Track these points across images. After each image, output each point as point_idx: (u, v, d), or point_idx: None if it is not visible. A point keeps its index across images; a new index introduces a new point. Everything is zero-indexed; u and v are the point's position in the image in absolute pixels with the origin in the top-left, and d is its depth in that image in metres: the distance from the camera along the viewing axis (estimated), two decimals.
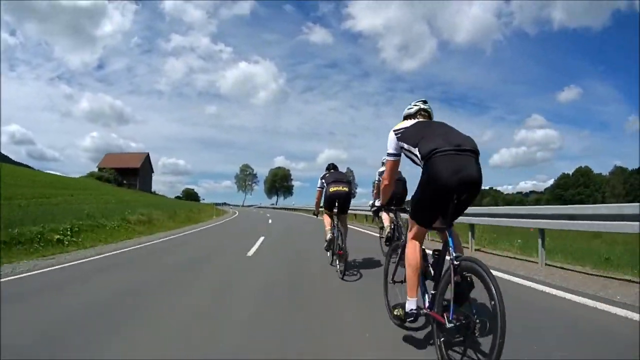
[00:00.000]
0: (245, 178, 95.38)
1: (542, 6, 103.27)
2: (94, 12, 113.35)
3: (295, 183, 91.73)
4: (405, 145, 2.20)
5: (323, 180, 4.98)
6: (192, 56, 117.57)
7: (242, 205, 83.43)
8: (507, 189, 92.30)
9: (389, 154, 2.33)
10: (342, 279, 4.21)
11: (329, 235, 4.76)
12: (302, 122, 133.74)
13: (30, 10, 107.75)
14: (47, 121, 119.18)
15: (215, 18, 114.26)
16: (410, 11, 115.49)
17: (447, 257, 2.02)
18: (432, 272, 2.16)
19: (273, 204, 70.83)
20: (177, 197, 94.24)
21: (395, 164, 2.36)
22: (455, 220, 2.13)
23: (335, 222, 4.69)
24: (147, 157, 62.82)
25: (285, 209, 44.84)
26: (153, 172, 65.79)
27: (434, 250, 2.21)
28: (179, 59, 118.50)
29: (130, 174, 55.80)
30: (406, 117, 2.49)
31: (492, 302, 1.62)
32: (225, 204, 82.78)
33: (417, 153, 2.08)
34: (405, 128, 2.26)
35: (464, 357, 1.85)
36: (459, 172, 1.91)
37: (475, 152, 2.01)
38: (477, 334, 1.71)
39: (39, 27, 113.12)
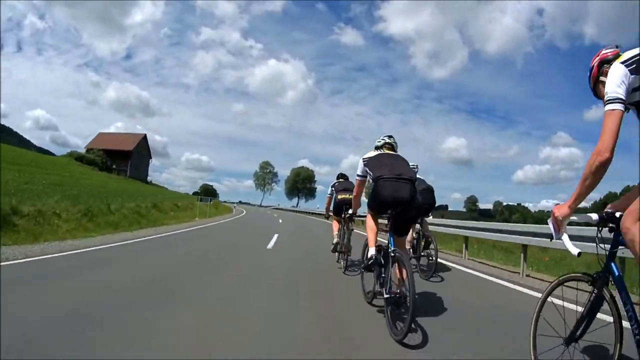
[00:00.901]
0: (264, 176, 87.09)
1: (574, 20, 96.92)
2: (125, 0, 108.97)
3: (318, 186, 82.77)
4: (368, 170, 3.26)
5: (333, 188, 5.76)
6: (221, 51, 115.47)
7: (260, 205, 76.11)
8: (528, 206, 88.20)
9: (358, 175, 3.47)
10: (344, 273, 5.01)
11: (335, 240, 5.50)
12: (329, 125, 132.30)
13: None
14: (73, 108, 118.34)
15: (247, 13, 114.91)
16: (442, 17, 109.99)
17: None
18: (382, 260, 3.04)
19: (294, 207, 60.37)
20: (195, 193, 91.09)
21: (363, 182, 3.50)
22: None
23: (342, 226, 5.45)
24: (144, 139, 54.05)
25: (307, 212, 36.97)
26: (151, 158, 57.47)
27: (380, 245, 3.18)
28: (208, 52, 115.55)
29: (121, 158, 48.24)
30: (376, 148, 3.51)
31: (406, 282, 2.61)
32: (241, 202, 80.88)
33: (371, 177, 3.20)
34: (370, 157, 3.35)
35: (396, 320, 2.71)
36: (394, 193, 2.99)
37: (411, 180, 3.07)
38: (407, 304, 2.52)
39: (68, 11, 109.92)
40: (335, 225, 5.71)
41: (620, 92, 1.49)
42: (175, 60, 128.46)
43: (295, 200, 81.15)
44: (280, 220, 20.23)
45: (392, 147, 3.50)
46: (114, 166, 47.91)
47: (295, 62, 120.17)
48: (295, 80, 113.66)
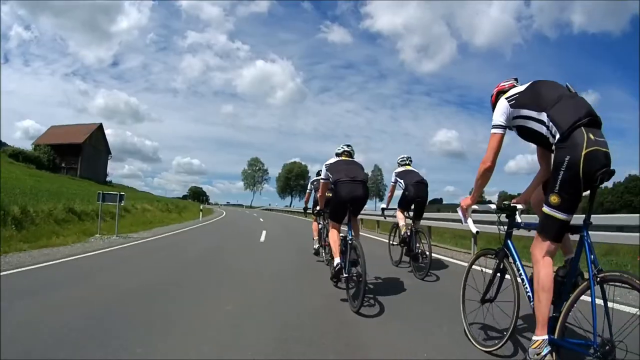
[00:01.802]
0: (254, 174, 79.95)
1: (562, 9, 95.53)
2: (111, 7, 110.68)
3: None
4: (329, 174, 3.83)
5: (312, 186, 6.52)
6: (208, 54, 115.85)
7: (250, 206, 69.78)
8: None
9: (322, 179, 4.09)
10: (326, 264, 5.35)
11: (316, 245, 6.12)
12: (318, 123, 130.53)
13: (45, 4, 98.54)
14: (62, 117, 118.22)
15: (232, 15, 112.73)
16: (429, 10, 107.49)
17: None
18: (344, 248, 3.57)
19: (287, 206, 51.73)
20: (185, 196, 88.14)
21: (326, 185, 4.08)
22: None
23: (322, 223, 5.89)
24: (99, 129, 44.87)
25: (299, 212, 31.06)
26: (110, 155, 49.29)
27: (344, 236, 3.62)
28: (195, 56, 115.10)
29: (72, 153, 40.68)
30: (336, 154, 4.25)
31: (360, 261, 3.14)
32: (229, 203, 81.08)
33: (332, 180, 3.75)
34: (330, 164, 3.98)
35: (355, 297, 3.14)
36: (350, 193, 3.57)
37: (363, 181, 3.70)
38: (361, 282, 3.03)
39: (54, 21, 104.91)
40: (315, 228, 6.24)
41: (502, 120, 2.06)
42: (162, 65, 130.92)
43: (289, 199, 74.64)
44: (261, 219, 18.37)
45: (349, 154, 4.20)
46: (62, 164, 40.44)
47: (283, 62, 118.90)
48: (284, 80, 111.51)
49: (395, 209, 5.42)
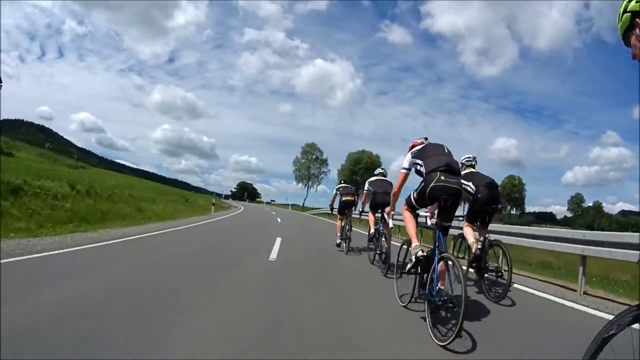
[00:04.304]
0: (309, 164, 60.59)
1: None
2: (167, 2, 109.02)
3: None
4: (370, 188, 6.04)
5: (338, 191, 7.74)
6: (267, 51, 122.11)
7: (303, 207, 55.79)
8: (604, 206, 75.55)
9: (365, 190, 6.27)
10: (346, 254, 6.95)
11: (338, 240, 7.58)
12: (376, 127, 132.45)
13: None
14: (118, 111, 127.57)
15: (291, 13, 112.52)
16: (491, 12, 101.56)
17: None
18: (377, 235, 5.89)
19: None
20: (232, 192, 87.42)
21: (367, 194, 6.25)
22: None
23: (347, 220, 7.46)
24: None
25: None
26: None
27: (377, 228, 5.81)
28: (253, 53, 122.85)
29: None
30: (374, 174, 6.36)
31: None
32: (272, 201, 76.88)
33: (372, 191, 6.02)
34: (371, 181, 6.16)
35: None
36: (382, 200, 5.76)
37: (389, 193, 5.05)
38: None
39: (108, 15, 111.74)
40: (338, 225, 7.72)
41: (406, 165, 3.37)
42: (218, 63, 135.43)
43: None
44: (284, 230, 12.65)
45: (383, 175, 6.29)
46: None
47: (342, 62, 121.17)
48: (344, 80, 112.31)
49: (461, 217, 4.17)
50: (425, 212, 3.47)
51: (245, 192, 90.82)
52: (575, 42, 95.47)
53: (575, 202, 71.66)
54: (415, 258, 2.95)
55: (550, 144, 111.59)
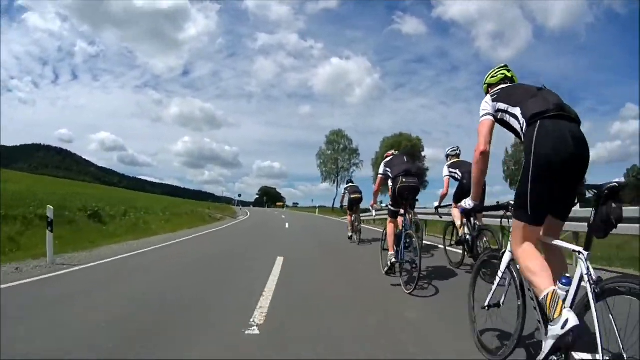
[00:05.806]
0: (336, 156, 49.61)
1: None
2: (176, 15, 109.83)
3: (428, 165, 49.15)
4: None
5: (346, 190, 8.92)
6: (281, 54, 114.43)
7: (332, 208, 43.04)
8: None
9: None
10: (358, 244, 7.99)
11: (350, 234, 8.73)
12: (395, 121, 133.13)
13: (105, 15, 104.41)
14: (137, 127, 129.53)
15: (302, 14, 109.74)
16: None
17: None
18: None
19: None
20: (256, 199, 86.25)
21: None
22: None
23: (356, 216, 8.57)
24: None
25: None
26: None
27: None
28: (268, 58, 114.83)
29: None
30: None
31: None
32: (296, 205, 70.58)
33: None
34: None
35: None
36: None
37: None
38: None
39: (118, 33, 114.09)
40: (349, 219, 8.74)
41: (381, 171, 4.54)
42: (232, 71, 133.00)
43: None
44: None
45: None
46: None
47: (358, 59, 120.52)
48: (361, 76, 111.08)
49: (449, 205, 5.03)
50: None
51: (265, 197, 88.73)
52: (588, 17, 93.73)
53: (633, 175, 52.69)
54: (390, 263, 4.08)
55: None
